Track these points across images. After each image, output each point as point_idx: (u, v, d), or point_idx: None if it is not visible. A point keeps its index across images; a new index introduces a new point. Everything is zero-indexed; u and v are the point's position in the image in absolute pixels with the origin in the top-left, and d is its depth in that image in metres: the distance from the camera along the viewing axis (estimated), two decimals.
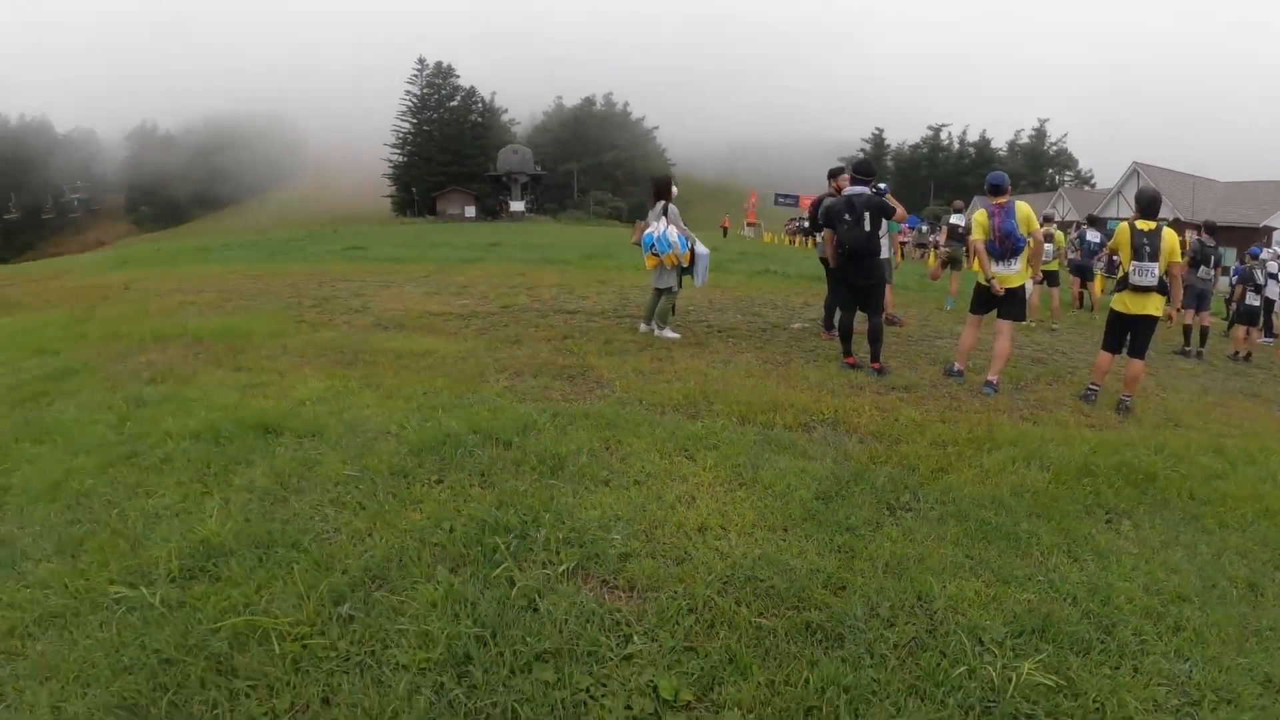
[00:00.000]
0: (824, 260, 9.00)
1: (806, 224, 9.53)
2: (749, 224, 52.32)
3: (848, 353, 7.72)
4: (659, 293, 8.71)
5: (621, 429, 5.05)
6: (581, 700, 2.52)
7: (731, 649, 2.77)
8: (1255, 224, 34.60)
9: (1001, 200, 7.07)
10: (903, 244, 29.78)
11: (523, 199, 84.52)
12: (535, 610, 2.97)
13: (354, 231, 36.47)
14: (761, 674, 2.66)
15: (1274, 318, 14.37)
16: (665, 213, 8.48)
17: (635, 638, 2.83)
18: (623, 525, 3.64)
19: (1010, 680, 2.70)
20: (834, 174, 8.97)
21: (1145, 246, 6.84)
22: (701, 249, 8.58)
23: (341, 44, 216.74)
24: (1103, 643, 3.05)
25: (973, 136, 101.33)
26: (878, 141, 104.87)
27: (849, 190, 7.56)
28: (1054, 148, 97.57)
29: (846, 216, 7.37)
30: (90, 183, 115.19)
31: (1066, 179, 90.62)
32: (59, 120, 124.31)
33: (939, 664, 2.78)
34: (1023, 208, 7.08)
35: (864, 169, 7.67)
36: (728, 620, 2.95)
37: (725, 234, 49.50)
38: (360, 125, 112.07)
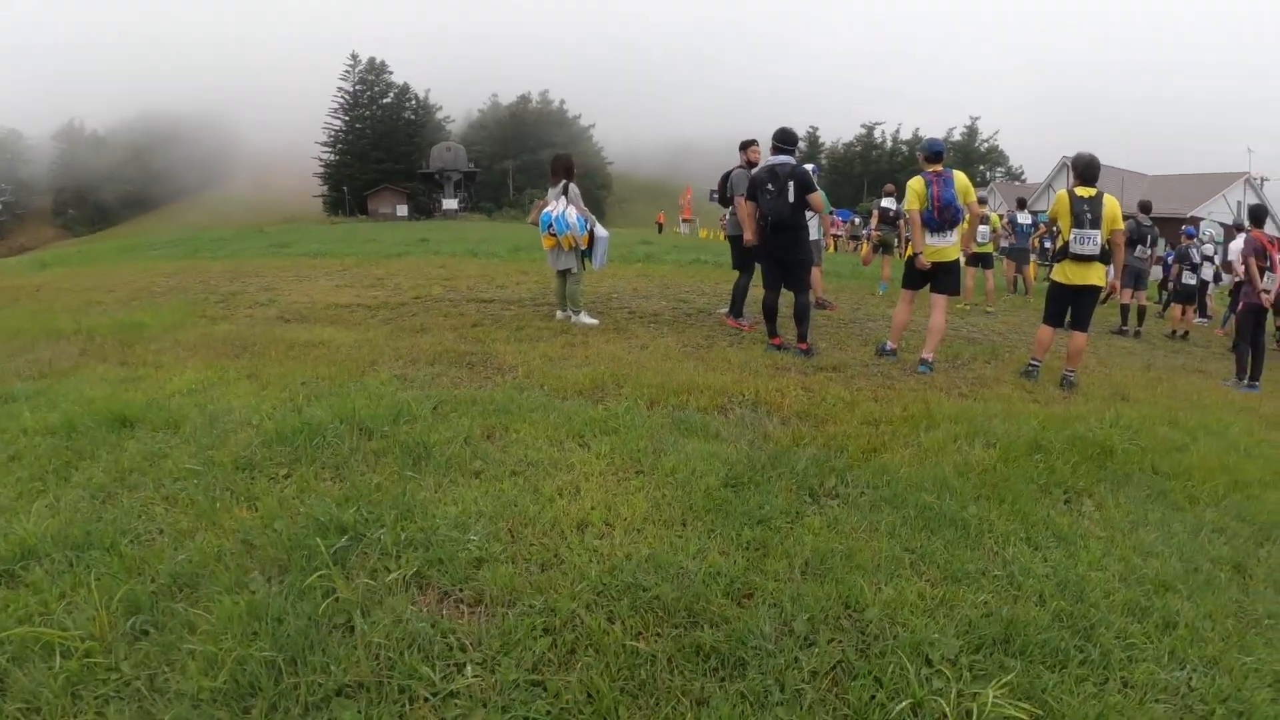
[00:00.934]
0: (731, 240, 8.51)
1: (715, 197, 9.02)
2: (684, 220, 51.51)
3: (773, 333, 7.24)
4: (562, 275, 8.22)
5: (511, 415, 4.38)
6: None
7: (592, 684, 2.09)
8: (1182, 214, 35.59)
9: (939, 168, 6.69)
10: (836, 237, 29.57)
11: (456, 197, 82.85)
12: (350, 632, 2.30)
13: (281, 231, 35.19)
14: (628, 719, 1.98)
15: (1208, 299, 14.70)
16: (565, 192, 7.95)
17: (468, 668, 2.14)
18: (484, 523, 2.96)
19: (970, 715, 2.08)
20: (745, 145, 8.42)
21: (1086, 213, 6.53)
22: (601, 231, 8.10)
23: (277, 41, 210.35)
24: (1081, 651, 2.46)
25: (905, 134, 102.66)
26: (812, 139, 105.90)
27: (772, 160, 7.08)
28: (985, 144, 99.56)
29: (769, 187, 6.92)
30: (15, 185, 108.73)
31: (998, 175, 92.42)
32: None
33: (873, 697, 2.13)
34: (960, 177, 6.73)
35: (785, 138, 7.14)
36: (594, 643, 2.26)
37: (660, 230, 48.83)
38: (296, 125, 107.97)
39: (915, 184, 6.68)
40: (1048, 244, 17.22)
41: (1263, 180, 47.45)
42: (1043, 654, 2.42)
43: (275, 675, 2.13)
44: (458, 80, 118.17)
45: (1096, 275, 6.63)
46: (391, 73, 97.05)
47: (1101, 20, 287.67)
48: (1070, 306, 6.82)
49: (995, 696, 2.13)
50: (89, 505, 3.21)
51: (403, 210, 79.37)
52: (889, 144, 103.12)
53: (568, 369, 5.69)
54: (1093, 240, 6.49)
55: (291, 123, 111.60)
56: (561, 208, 7.84)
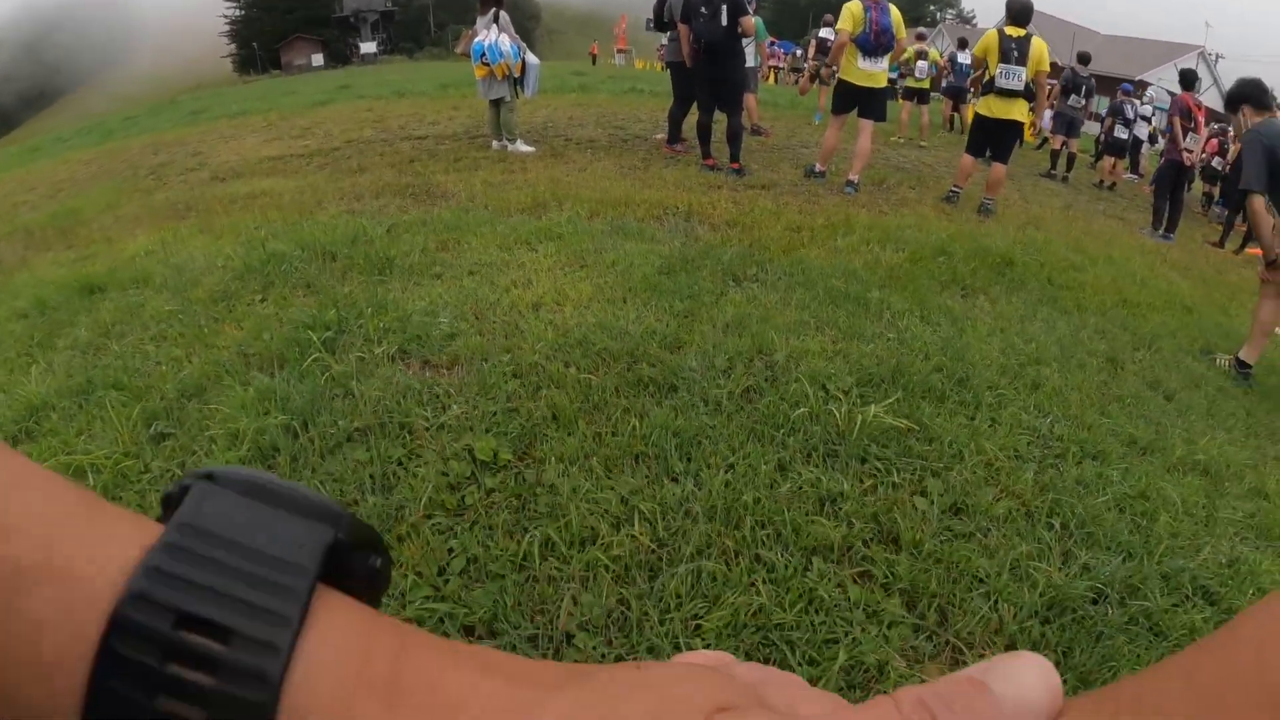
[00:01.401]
0: (671, 65, 8.54)
1: (651, 24, 9.02)
2: (619, 50, 49.39)
3: (706, 154, 7.53)
4: (495, 105, 8.26)
5: (461, 231, 4.71)
6: (392, 472, 2.31)
7: (556, 406, 2.58)
8: (1130, 77, 35.72)
9: None
10: (776, 69, 29.14)
11: (374, 39, 78.64)
12: (350, 396, 2.71)
13: (193, 98, 33.29)
14: (587, 427, 2.48)
15: (1141, 156, 15.36)
16: (497, 20, 7.90)
17: (453, 406, 2.60)
18: (451, 309, 3.37)
19: (857, 422, 2.60)
20: None
21: (1014, 51, 6.79)
22: (532, 59, 8.12)
23: None
24: (958, 394, 2.99)
25: None
26: None
27: None
28: None
29: (703, 10, 7.00)
30: None
31: (949, 16, 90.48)
32: None
33: (778, 408, 2.65)
34: (895, 10, 6.91)
35: None
36: (554, 381, 2.74)
37: (594, 61, 47.02)
38: None
39: (854, 7, 6.82)
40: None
41: (1217, 57, 47.46)
42: (923, 390, 2.94)
43: (292, 435, 2.50)
44: None
45: (1019, 111, 6.98)
46: None
47: None
48: (992, 139, 7.19)
49: (878, 411, 2.66)
50: (82, 360, 3.36)
51: (318, 60, 74.84)
52: None
53: (509, 191, 5.93)
54: (1018, 76, 6.80)
55: None
56: (494, 36, 7.81)
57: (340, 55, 77.72)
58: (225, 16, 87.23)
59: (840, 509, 2.23)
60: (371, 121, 12.13)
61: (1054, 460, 2.71)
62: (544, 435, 2.44)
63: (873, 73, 6.95)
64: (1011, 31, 6.86)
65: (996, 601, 2.00)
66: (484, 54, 7.82)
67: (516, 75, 8.02)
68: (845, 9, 6.91)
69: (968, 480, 2.45)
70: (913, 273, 4.41)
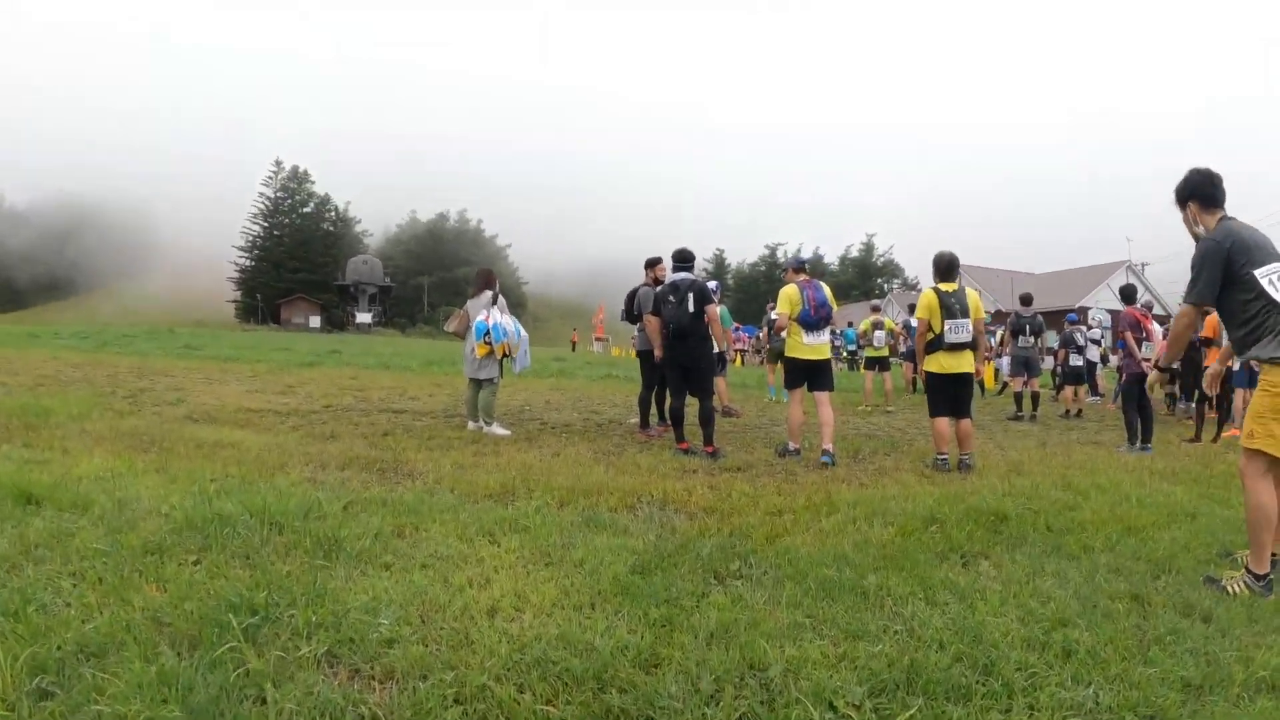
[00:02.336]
0: (641, 354, 9.01)
1: (624, 315, 9.47)
2: (597, 339, 51.83)
3: (680, 438, 7.59)
4: (478, 384, 8.45)
5: (421, 515, 4.43)
6: None
7: None
8: (1072, 305, 38.10)
9: (806, 277, 7.49)
10: (741, 351, 30.51)
11: (370, 310, 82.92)
12: (261, 702, 2.30)
13: (192, 333, 34.50)
14: None
15: (1097, 378, 16.08)
16: (495, 301, 8.37)
17: None
18: (395, 609, 2.97)
19: None
20: (651, 264, 8.91)
21: (955, 305, 7.06)
22: (522, 332, 8.52)
23: (205, 137, 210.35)
24: (983, 685, 2.58)
25: (806, 253, 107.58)
26: (719, 261, 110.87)
27: (673, 276, 7.68)
28: (881, 259, 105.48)
29: (670, 298, 7.45)
30: None
31: (894, 285, 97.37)
32: None
33: None
34: (825, 285, 7.47)
35: (682, 256, 7.80)
36: (505, 711, 2.30)
37: (574, 348, 49.19)
38: (217, 226, 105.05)
39: (790, 291, 7.36)
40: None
41: (1143, 265, 51.91)
42: (945, 690, 2.52)
43: None
44: (378, 194, 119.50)
45: (968, 362, 7.17)
46: (313, 182, 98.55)
47: (986, 132, 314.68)
48: (951, 395, 7.22)
49: None
50: None
51: (315, 321, 78.69)
52: None
53: (478, 474, 5.77)
54: (966, 329, 7.04)
55: (212, 223, 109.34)
56: (497, 316, 8.23)
57: (337, 321, 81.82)
58: (236, 264, 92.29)
59: None
60: (354, 389, 12.42)
61: None
62: None
63: (815, 345, 7.34)
64: (946, 287, 7.15)
65: None
66: (488, 333, 8.16)
67: (514, 355, 8.34)
68: (782, 293, 7.43)
69: None
70: (906, 547, 4.12)
